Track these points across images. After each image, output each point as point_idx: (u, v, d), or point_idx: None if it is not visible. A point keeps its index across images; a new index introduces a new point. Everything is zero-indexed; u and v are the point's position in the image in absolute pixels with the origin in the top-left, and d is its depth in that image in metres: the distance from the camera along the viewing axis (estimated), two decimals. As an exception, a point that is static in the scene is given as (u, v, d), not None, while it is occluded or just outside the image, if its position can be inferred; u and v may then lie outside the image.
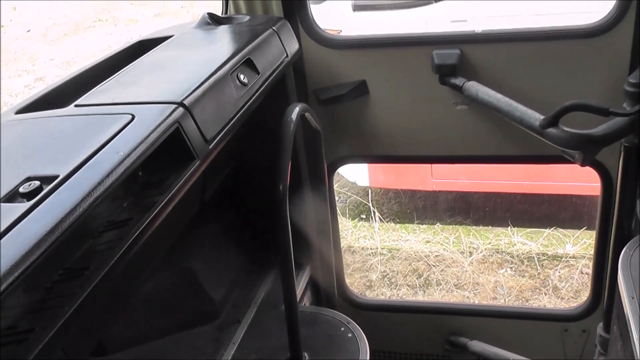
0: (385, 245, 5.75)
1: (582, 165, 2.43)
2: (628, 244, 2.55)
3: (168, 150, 1.78)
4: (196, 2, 12.50)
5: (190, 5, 13.02)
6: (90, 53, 11.27)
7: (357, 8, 5.74)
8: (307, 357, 2.50)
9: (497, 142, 2.88)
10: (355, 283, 5.29)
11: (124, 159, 1.60)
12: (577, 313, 3.23)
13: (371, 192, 6.35)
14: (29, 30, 13.84)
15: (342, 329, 2.74)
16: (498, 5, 5.02)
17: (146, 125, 1.75)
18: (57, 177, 1.51)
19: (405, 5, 5.68)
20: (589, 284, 3.22)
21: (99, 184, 1.50)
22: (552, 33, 2.69)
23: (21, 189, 1.47)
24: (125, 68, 2.28)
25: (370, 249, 5.70)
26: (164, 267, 2.60)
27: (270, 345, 2.66)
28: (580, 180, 5.14)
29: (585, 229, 5.49)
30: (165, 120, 1.79)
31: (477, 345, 3.33)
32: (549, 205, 5.93)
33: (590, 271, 4.99)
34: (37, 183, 1.48)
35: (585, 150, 2.39)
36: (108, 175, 1.53)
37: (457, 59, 2.71)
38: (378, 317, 3.42)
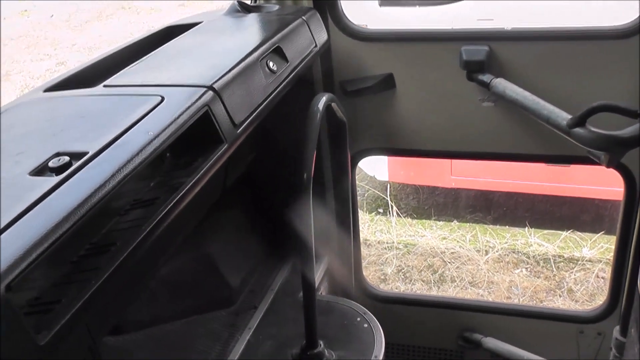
0: (401, 239, 5.75)
1: (608, 166, 2.42)
2: None
3: (196, 133, 1.79)
4: (220, -8, 12.51)
5: (215, -4, 13.06)
6: (112, 40, 11.33)
7: (383, 3, 5.72)
8: (322, 345, 2.50)
9: (522, 140, 2.87)
10: (370, 276, 5.30)
11: (153, 139, 1.61)
12: (593, 315, 3.22)
13: (390, 187, 6.34)
14: (52, 16, 13.93)
15: (359, 319, 2.74)
16: (526, 5, 4.98)
17: (176, 107, 1.76)
18: (86, 153, 1.52)
19: (431, 2, 5.65)
20: (605, 288, 3.21)
21: (128, 162, 1.51)
22: (581, 33, 2.68)
23: (50, 164, 1.48)
24: (154, 52, 2.29)
25: (387, 243, 5.71)
26: (184, 250, 2.60)
27: (286, 332, 2.67)
28: (601, 184, 5.11)
29: (603, 234, 5.47)
30: (195, 103, 1.80)
31: (491, 342, 3.32)
32: (570, 207, 5.91)
33: (606, 275, 4.98)
34: (67, 158, 1.49)
35: (612, 152, 2.37)
36: (137, 154, 1.54)
37: (486, 55, 2.70)
38: (394, 309, 3.42)
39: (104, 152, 1.54)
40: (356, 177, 6.18)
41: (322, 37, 2.70)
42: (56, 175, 1.45)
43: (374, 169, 6.01)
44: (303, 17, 2.60)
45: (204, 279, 2.81)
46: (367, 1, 5.61)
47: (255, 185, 3.12)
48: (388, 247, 5.66)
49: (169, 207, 1.62)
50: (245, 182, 3.01)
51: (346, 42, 2.85)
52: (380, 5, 5.69)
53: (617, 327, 2.97)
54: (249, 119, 2.02)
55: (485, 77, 2.70)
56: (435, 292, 5.15)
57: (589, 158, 2.44)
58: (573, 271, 5.25)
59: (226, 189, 2.68)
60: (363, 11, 5.44)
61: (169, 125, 1.67)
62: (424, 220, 6.05)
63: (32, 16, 14.05)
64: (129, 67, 2.14)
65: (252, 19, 2.65)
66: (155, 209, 1.60)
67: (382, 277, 5.35)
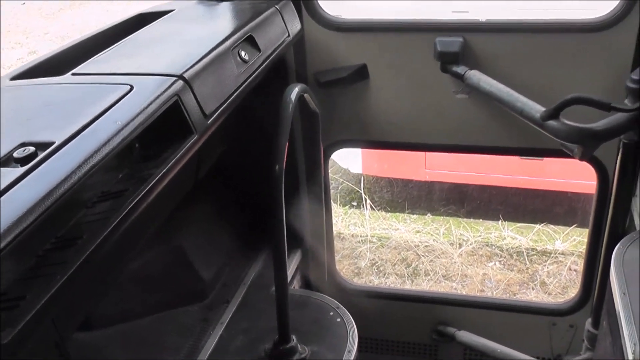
0: (375, 233, 5.74)
1: (581, 159, 2.42)
2: (622, 240, 2.54)
3: (166, 123, 1.75)
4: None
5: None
6: (86, 28, 11.16)
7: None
8: (295, 340, 2.48)
9: (496, 133, 2.87)
10: (344, 270, 5.29)
11: (122, 129, 1.57)
12: (565, 308, 3.23)
13: (364, 180, 6.33)
14: (24, 3, 13.73)
15: (331, 313, 2.73)
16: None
17: (145, 96, 1.72)
18: (52, 143, 1.48)
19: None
20: (578, 280, 3.22)
21: (95, 152, 1.47)
22: (556, 26, 2.68)
23: (15, 154, 1.44)
24: (124, 39, 2.24)
25: (360, 236, 5.70)
26: (155, 244, 2.57)
27: (259, 326, 2.65)
28: (575, 177, 5.14)
29: (576, 227, 5.50)
30: (164, 92, 1.76)
31: (465, 336, 3.33)
32: (543, 201, 5.94)
33: (578, 268, 5.01)
34: (32, 149, 1.45)
35: (585, 145, 2.38)
36: (105, 144, 1.50)
37: (460, 47, 2.69)
38: (367, 303, 3.40)
39: (71, 142, 1.50)
40: (330, 170, 6.18)
41: (295, 26, 2.68)
42: (21, 166, 1.41)
43: (348, 161, 5.99)
44: (276, 7, 2.57)
45: (176, 272, 2.78)
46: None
47: (228, 177, 3.09)
48: (362, 240, 5.65)
49: (138, 199, 1.59)
50: (218, 174, 2.98)
51: (320, 33, 2.82)
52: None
53: (589, 320, 2.98)
54: (220, 109, 1.99)
55: (460, 69, 2.69)
56: (409, 286, 5.14)
57: (562, 151, 2.44)
58: (546, 264, 5.28)
59: (198, 180, 2.65)
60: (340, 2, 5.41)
61: (137, 115, 1.63)
62: (397, 214, 6.04)
63: (3, 4, 13.84)
64: (98, 55, 2.10)
65: (225, 7, 2.62)
66: (123, 201, 1.57)
67: (356, 270, 5.34)
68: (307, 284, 3.30)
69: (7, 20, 12.76)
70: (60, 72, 1.98)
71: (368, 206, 5.97)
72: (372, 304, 3.42)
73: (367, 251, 5.52)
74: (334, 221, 5.75)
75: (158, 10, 2.62)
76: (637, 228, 2.64)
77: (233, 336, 2.64)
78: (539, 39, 2.68)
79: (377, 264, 5.40)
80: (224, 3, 2.65)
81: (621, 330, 2.17)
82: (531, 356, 3.24)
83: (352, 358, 2.52)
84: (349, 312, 2.75)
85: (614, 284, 2.36)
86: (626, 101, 2.46)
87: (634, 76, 2.44)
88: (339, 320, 2.69)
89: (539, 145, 2.77)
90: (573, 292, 3.24)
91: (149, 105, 1.68)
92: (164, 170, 1.70)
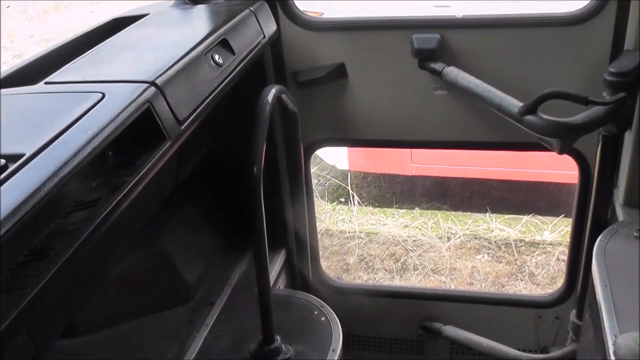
0: (363, 229, 5.74)
1: (560, 153, 2.43)
2: (604, 232, 2.55)
3: (139, 131, 1.75)
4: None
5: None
6: (71, 30, 11.13)
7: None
8: (279, 340, 2.49)
9: (475, 128, 2.87)
10: (333, 266, 5.29)
11: (93, 138, 1.56)
12: (551, 300, 3.24)
13: (350, 176, 6.33)
14: (8, 7, 13.65)
15: (316, 312, 2.73)
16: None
17: (116, 104, 1.72)
18: (22, 155, 1.47)
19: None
20: (564, 271, 3.24)
21: (66, 163, 1.46)
22: (532, 20, 2.68)
23: None
24: (98, 46, 2.23)
25: (349, 232, 5.70)
26: (138, 248, 2.57)
27: (243, 327, 2.65)
28: (558, 168, 5.15)
29: (563, 217, 5.52)
30: (136, 99, 1.76)
31: (451, 331, 3.33)
32: (527, 193, 5.95)
33: (566, 258, 5.03)
34: (2, 161, 1.44)
35: (563, 138, 2.39)
36: (75, 155, 1.50)
37: (437, 43, 2.69)
38: (353, 301, 3.41)
39: (42, 154, 1.49)
40: (315, 167, 6.17)
41: (270, 27, 2.67)
42: None
43: (334, 158, 5.99)
44: (250, 8, 2.56)
45: (160, 275, 2.77)
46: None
47: (210, 179, 3.09)
48: (350, 236, 5.65)
49: (111, 207, 1.59)
50: (200, 176, 2.98)
51: (297, 33, 2.82)
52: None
53: (574, 311, 2.99)
54: (194, 115, 1.98)
55: (437, 66, 2.69)
56: (398, 281, 5.15)
57: (542, 145, 2.45)
58: (534, 255, 5.29)
59: (179, 184, 2.65)
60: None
61: (109, 124, 1.63)
62: (385, 209, 6.05)
63: (-16, 8, 13.78)
64: (72, 62, 2.09)
65: (199, 10, 2.61)
66: (96, 210, 1.56)
67: (345, 267, 5.34)
68: (292, 284, 3.30)
69: (-8, 24, 12.71)
70: (33, 80, 1.98)
71: (356, 202, 5.98)
72: (357, 301, 3.43)
73: (356, 247, 5.53)
74: (321, 218, 5.78)
75: (133, 15, 2.61)
76: (619, 219, 2.65)
77: (218, 338, 2.64)
78: (515, 33, 2.68)
79: (365, 260, 5.40)
80: (199, 6, 2.64)
81: (602, 322, 2.18)
82: (517, 349, 3.25)
83: (336, 357, 2.53)
84: (334, 310, 2.75)
85: (596, 276, 2.37)
86: (604, 94, 2.47)
87: (612, 69, 2.45)
88: (323, 319, 2.70)
89: (519, 139, 2.77)
90: (561, 282, 3.26)
91: (120, 113, 1.68)
92: (138, 178, 1.69)
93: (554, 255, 5.24)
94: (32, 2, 13.71)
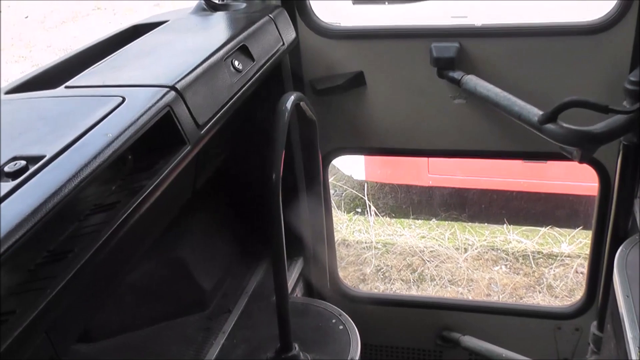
0: (380, 239, 5.73)
1: (580, 162, 2.41)
2: (624, 242, 2.53)
3: (158, 135, 1.75)
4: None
5: (190, -4, 12.96)
6: (88, 40, 11.21)
7: (357, 2, 5.70)
8: (297, 348, 2.48)
9: (494, 137, 2.86)
10: (349, 276, 5.27)
11: (112, 141, 1.57)
12: (570, 311, 3.21)
13: (367, 186, 6.32)
14: (27, 17, 13.78)
15: (334, 320, 2.72)
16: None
17: (136, 108, 1.72)
18: (43, 157, 1.48)
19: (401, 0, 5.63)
20: (584, 283, 3.20)
21: (86, 165, 1.47)
22: (552, 29, 2.67)
23: (6, 168, 1.44)
24: (117, 51, 2.25)
25: (365, 242, 5.68)
26: (155, 254, 2.57)
27: (260, 335, 2.64)
28: (577, 180, 5.12)
29: (581, 229, 5.47)
30: (156, 103, 1.76)
31: (470, 341, 3.31)
32: (545, 204, 5.91)
33: (585, 271, 4.99)
34: (23, 163, 1.45)
35: (584, 147, 2.37)
36: (95, 157, 1.50)
37: (456, 52, 2.68)
38: (370, 310, 3.39)
39: (62, 156, 1.50)
40: (332, 177, 6.17)
41: (289, 35, 2.67)
42: (12, 180, 1.41)
43: (351, 168, 5.99)
44: (270, 15, 2.56)
45: (177, 282, 2.78)
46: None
47: (227, 187, 3.09)
48: (367, 247, 5.63)
49: (130, 210, 1.58)
50: (217, 183, 2.98)
51: (315, 40, 2.82)
52: (354, 3, 5.66)
53: (595, 323, 2.96)
54: (213, 120, 1.98)
55: (456, 74, 2.68)
56: (414, 291, 5.13)
57: (562, 154, 2.43)
58: (552, 267, 5.25)
59: (197, 190, 2.65)
60: (337, 9, 5.42)
61: (128, 127, 1.63)
62: (402, 220, 6.03)
63: (6, 17, 13.89)
64: (91, 67, 2.11)
65: (219, 17, 2.62)
66: (115, 213, 1.56)
67: (361, 277, 5.32)
68: (309, 292, 3.29)
69: (10, 34, 12.81)
70: (54, 85, 1.99)
71: (372, 212, 5.96)
72: (375, 310, 3.41)
73: (372, 257, 5.51)
74: (338, 228, 5.77)
75: (152, 22, 2.62)
76: None
77: (235, 345, 2.63)
78: (535, 42, 2.67)
79: (382, 270, 5.38)
80: (218, 13, 2.65)
81: (625, 333, 2.16)
82: None
83: None
84: (352, 319, 2.74)
85: (617, 287, 2.34)
86: (624, 103, 2.45)
87: (632, 77, 2.44)
88: (341, 327, 2.69)
89: (538, 148, 2.76)
90: (579, 294, 3.23)
91: (140, 116, 1.68)
92: (157, 182, 1.69)
93: (572, 268, 5.19)
94: (50, 12, 13.83)
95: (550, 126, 2.36)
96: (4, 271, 1.23)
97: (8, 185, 1.38)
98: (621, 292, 2.29)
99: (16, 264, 1.28)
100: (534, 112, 2.43)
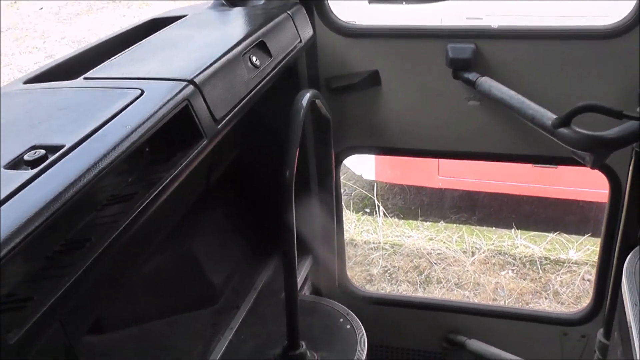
0: (387, 240, 5.73)
1: (592, 167, 2.40)
2: (634, 250, 2.52)
3: (176, 128, 1.76)
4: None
5: (205, -9, 12.98)
6: (102, 33, 11.25)
7: (373, 0, 5.70)
8: (304, 346, 2.48)
9: (507, 140, 2.86)
10: (356, 276, 5.28)
11: (131, 133, 1.58)
12: (577, 318, 3.21)
13: (377, 186, 6.32)
14: (41, 8, 13.84)
15: (341, 319, 2.73)
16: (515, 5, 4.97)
17: (155, 100, 1.73)
18: (62, 146, 1.49)
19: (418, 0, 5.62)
20: (591, 290, 3.20)
21: (105, 156, 1.48)
22: (568, 33, 2.67)
23: (26, 157, 1.46)
24: (136, 44, 2.26)
25: (373, 243, 5.69)
26: (166, 248, 2.59)
27: (268, 331, 2.65)
28: (587, 186, 5.11)
29: (589, 236, 5.47)
30: (174, 97, 1.77)
31: (475, 345, 3.31)
32: (554, 209, 5.90)
33: (592, 278, 4.98)
34: (43, 152, 1.47)
35: (597, 153, 2.36)
36: (114, 148, 1.51)
37: (472, 53, 2.68)
38: (377, 310, 3.40)
39: (81, 146, 1.51)
40: (343, 176, 6.17)
41: (307, 32, 2.68)
42: (32, 168, 1.42)
43: (361, 168, 5.99)
44: (288, 12, 2.57)
45: (187, 277, 2.79)
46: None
47: (240, 182, 3.09)
48: (374, 247, 5.63)
49: (147, 202, 1.60)
50: (230, 179, 2.99)
51: (332, 38, 2.82)
52: (370, 2, 5.66)
53: (601, 330, 2.96)
54: (230, 114, 1.99)
55: (471, 76, 2.68)
56: (421, 293, 5.13)
57: (574, 159, 2.43)
58: (559, 273, 5.25)
59: (210, 185, 2.66)
60: (354, 8, 5.43)
61: (147, 119, 1.64)
62: (410, 221, 6.03)
63: (21, 8, 13.95)
64: (110, 59, 2.12)
65: (237, 13, 2.63)
66: (132, 204, 1.58)
67: (368, 277, 5.33)
68: (317, 291, 3.29)
69: (24, 25, 12.87)
70: (72, 76, 2.00)
71: (381, 213, 5.97)
72: (382, 311, 3.41)
73: (380, 258, 5.51)
74: (346, 227, 5.77)
75: (171, 16, 2.63)
76: None
77: (243, 341, 2.64)
78: (551, 45, 2.67)
79: (389, 271, 5.39)
80: (237, 9, 2.66)
81: (632, 341, 2.16)
82: None
83: None
84: (358, 319, 2.74)
85: (626, 295, 2.34)
86: (638, 109, 2.45)
87: (647, 83, 2.44)
88: (348, 327, 2.69)
89: (550, 153, 2.76)
90: (586, 301, 3.22)
91: (159, 109, 1.69)
92: (174, 174, 1.71)
93: (579, 275, 5.18)
94: (65, 4, 13.88)
95: (563, 130, 2.35)
96: (22, 258, 1.25)
97: (28, 173, 1.40)
98: (629, 299, 2.29)
99: (34, 251, 1.29)
100: (548, 116, 2.43)
